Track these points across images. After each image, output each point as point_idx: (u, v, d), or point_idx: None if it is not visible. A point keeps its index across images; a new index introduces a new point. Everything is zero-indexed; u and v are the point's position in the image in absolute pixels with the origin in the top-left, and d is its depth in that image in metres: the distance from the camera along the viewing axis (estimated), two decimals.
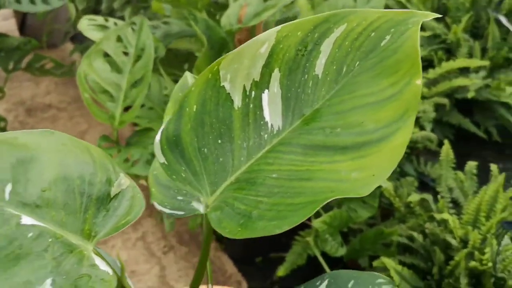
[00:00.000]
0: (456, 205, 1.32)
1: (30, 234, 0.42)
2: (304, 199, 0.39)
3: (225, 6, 1.29)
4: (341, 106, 0.42)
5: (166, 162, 0.48)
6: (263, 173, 0.43)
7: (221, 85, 0.46)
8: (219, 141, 0.46)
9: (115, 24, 1.19)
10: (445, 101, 1.61)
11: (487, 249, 1.06)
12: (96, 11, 2.19)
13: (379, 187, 1.33)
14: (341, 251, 1.28)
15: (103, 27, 1.18)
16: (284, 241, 1.44)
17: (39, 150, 0.46)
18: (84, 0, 2.05)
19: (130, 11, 1.84)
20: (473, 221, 1.19)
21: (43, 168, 0.45)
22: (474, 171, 1.38)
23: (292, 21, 0.45)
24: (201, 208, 0.56)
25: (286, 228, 0.37)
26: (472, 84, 1.62)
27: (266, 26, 1.21)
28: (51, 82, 2.53)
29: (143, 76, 1.03)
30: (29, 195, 0.44)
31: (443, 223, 1.22)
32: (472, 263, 1.06)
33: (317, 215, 1.40)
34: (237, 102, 0.46)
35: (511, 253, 1.05)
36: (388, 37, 0.41)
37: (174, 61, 1.30)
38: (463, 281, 1.08)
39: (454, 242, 1.15)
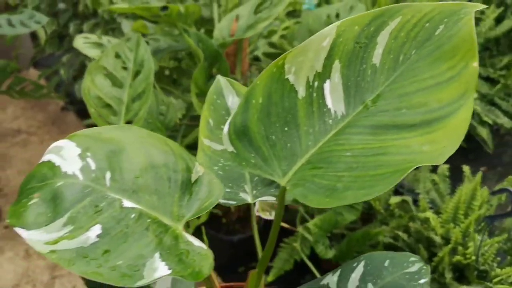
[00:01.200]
0: (433, 205, 1.40)
1: (133, 216, 0.46)
2: (387, 170, 0.44)
3: (209, 21, 1.34)
4: (403, 89, 0.48)
5: (234, 151, 0.52)
6: (336, 153, 0.48)
7: (286, 77, 0.51)
8: (286, 129, 0.51)
9: (109, 41, 1.22)
10: None
11: (470, 244, 1.13)
12: (62, 35, 2.20)
13: None
14: (330, 253, 1.33)
15: (98, 44, 1.21)
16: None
17: (124, 143, 0.50)
18: (52, 24, 2.06)
19: (100, 33, 1.86)
20: (452, 219, 1.26)
21: (132, 158, 0.49)
22: (447, 173, 1.46)
23: (350, 17, 0.50)
24: (248, 198, 0.61)
25: (375, 195, 0.43)
26: None
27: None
28: (17, 107, 2.50)
29: (144, 89, 1.06)
30: (125, 182, 0.48)
31: (425, 222, 1.29)
32: (456, 258, 1.12)
33: (303, 221, 1.45)
34: (301, 92, 0.51)
35: (490, 246, 1.13)
36: (441, 27, 0.47)
37: (162, 76, 1.34)
38: (448, 275, 1.14)
39: (437, 239, 1.22)
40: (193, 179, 0.51)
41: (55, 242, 0.43)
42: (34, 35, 2.59)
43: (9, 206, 1.73)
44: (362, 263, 0.65)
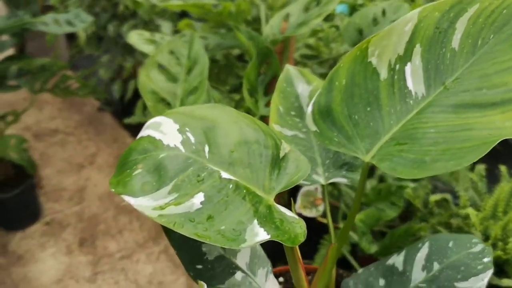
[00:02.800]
0: (472, 203, 1.41)
1: (231, 186, 0.49)
2: (473, 143, 0.47)
3: (255, 21, 1.38)
4: (483, 71, 0.50)
5: (318, 130, 0.55)
6: (420, 130, 0.51)
7: (369, 60, 0.54)
8: (368, 109, 0.54)
9: (162, 38, 1.26)
10: None
11: (510, 239, 1.15)
12: (101, 37, 2.25)
13: (403, 189, 1.42)
14: (373, 248, 1.36)
15: (152, 41, 1.25)
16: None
17: (218, 120, 0.53)
18: (91, 25, 2.11)
19: None
20: (491, 216, 1.28)
21: (227, 134, 0.52)
22: (483, 173, 1.47)
23: (431, 3, 0.53)
24: (321, 179, 0.64)
25: (465, 165, 0.46)
26: None
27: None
28: (53, 108, 2.56)
29: (198, 84, 1.10)
30: (222, 155, 0.51)
31: (466, 218, 1.31)
32: (496, 253, 1.14)
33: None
34: (383, 74, 0.54)
35: None
36: None
37: (210, 74, 1.37)
38: None
39: (478, 234, 1.24)
40: (281, 156, 0.54)
41: (162, 208, 0.47)
42: (70, 37, 2.65)
43: (50, 203, 1.77)
44: (427, 244, 0.68)
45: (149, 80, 1.11)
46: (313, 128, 0.55)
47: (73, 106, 2.56)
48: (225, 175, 0.50)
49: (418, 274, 0.65)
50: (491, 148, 0.45)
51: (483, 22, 0.51)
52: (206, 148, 0.51)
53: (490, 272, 0.62)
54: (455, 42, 0.52)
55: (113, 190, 0.49)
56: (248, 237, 0.46)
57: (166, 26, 1.88)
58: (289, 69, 0.74)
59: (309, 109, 0.56)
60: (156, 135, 0.52)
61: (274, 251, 0.71)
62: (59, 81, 1.66)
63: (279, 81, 0.72)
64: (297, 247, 0.55)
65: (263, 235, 0.46)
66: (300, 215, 1.65)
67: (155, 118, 0.54)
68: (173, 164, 0.49)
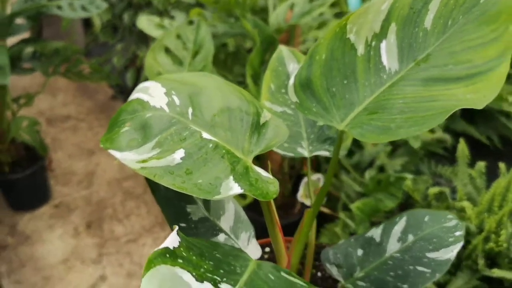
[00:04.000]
0: (469, 198, 1.44)
1: (210, 145, 0.53)
2: (434, 112, 0.50)
3: (262, 11, 1.42)
4: (451, 49, 0.54)
5: (298, 101, 0.59)
6: (390, 101, 0.55)
7: (347, 37, 0.58)
8: (345, 82, 0.58)
9: (170, 24, 1.31)
10: None
11: (502, 232, 1.18)
12: (116, 26, 2.30)
13: (403, 180, 1.45)
14: None
15: (161, 26, 1.30)
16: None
17: (204, 86, 0.57)
18: (107, 13, 2.16)
19: None
20: (487, 210, 1.30)
21: (211, 99, 0.57)
22: (483, 170, 1.50)
23: None
24: (305, 153, 0.68)
25: (425, 130, 0.49)
26: None
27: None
28: (67, 95, 2.62)
29: (203, 68, 1.14)
30: (204, 118, 0.55)
31: (462, 211, 1.34)
32: (489, 245, 1.17)
33: (345, 208, 1.51)
34: (360, 50, 0.58)
35: None
36: None
37: (217, 61, 1.42)
38: (480, 261, 1.18)
39: (472, 227, 1.27)
40: (261, 122, 0.58)
41: (145, 161, 0.51)
42: (86, 25, 2.71)
43: (59, 186, 1.82)
44: (404, 218, 0.71)
45: (156, 62, 1.15)
46: (294, 99, 0.59)
47: (86, 93, 2.62)
48: (206, 135, 0.54)
49: (393, 245, 0.69)
50: (448, 116, 0.49)
51: (454, 4, 0.55)
52: (190, 111, 0.56)
53: (460, 244, 0.66)
54: (428, 22, 0.56)
55: (102, 146, 0.54)
56: (223, 190, 0.50)
57: (180, 16, 1.92)
58: (282, 49, 0.78)
59: (291, 81, 0.60)
60: (145, 97, 0.57)
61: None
62: (72, 65, 1.71)
63: (272, 61, 0.76)
64: (273, 208, 0.59)
65: (237, 189, 0.50)
66: (302, 204, 1.69)
67: (144, 82, 0.59)
68: (157, 123, 0.54)
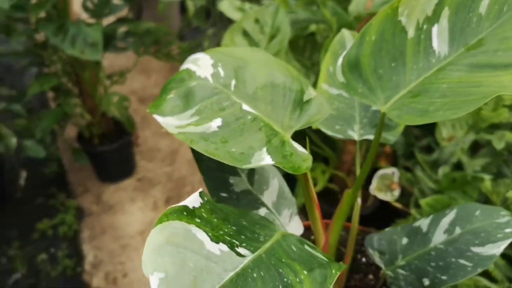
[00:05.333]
0: None
1: (249, 117, 0.55)
2: (476, 97, 0.49)
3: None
4: (504, 34, 0.52)
5: (345, 81, 0.59)
6: (434, 85, 0.53)
7: (398, 19, 0.57)
8: (393, 64, 0.57)
9: (251, 8, 1.33)
10: None
11: None
12: (209, 11, 2.36)
13: (480, 181, 1.39)
14: None
15: (241, 9, 1.33)
16: None
17: (251, 61, 0.59)
18: None
19: None
20: None
21: (256, 74, 0.58)
22: None
23: None
24: (355, 136, 0.68)
25: (461, 114, 0.48)
26: None
27: None
28: (160, 76, 2.72)
29: (277, 52, 1.16)
30: (247, 91, 0.57)
31: None
32: None
33: (417, 205, 1.48)
34: (411, 33, 0.57)
35: None
36: None
37: (296, 47, 1.43)
38: None
39: None
40: (305, 99, 0.58)
41: (184, 127, 0.53)
42: (183, 10, 2.80)
43: (144, 162, 1.90)
44: (455, 210, 0.69)
45: (233, 44, 1.18)
46: (341, 79, 0.59)
47: None
48: (246, 107, 0.56)
49: (439, 236, 0.67)
50: (486, 101, 0.47)
51: None
52: (233, 83, 0.57)
53: (508, 241, 0.63)
54: (483, 8, 0.54)
55: (148, 111, 0.56)
56: (254, 160, 0.51)
57: (267, 2, 1.94)
58: (344, 32, 0.77)
59: (339, 61, 0.60)
60: (193, 67, 0.59)
61: None
62: (163, 46, 1.78)
63: (333, 43, 0.76)
64: (311, 184, 0.60)
65: (268, 160, 0.51)
66: (375, 198, 1.67)
67: (196, 54, 0.61)
68: (200, 92, 0.56)
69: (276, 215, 0.66)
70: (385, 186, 1.59)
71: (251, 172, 0.66)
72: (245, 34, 1.19)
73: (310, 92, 0.59)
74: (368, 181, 1.63)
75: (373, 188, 1.57)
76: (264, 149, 0.52)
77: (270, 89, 0.58)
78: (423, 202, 1.31)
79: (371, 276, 0.72)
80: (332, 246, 0.64)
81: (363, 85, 0.58)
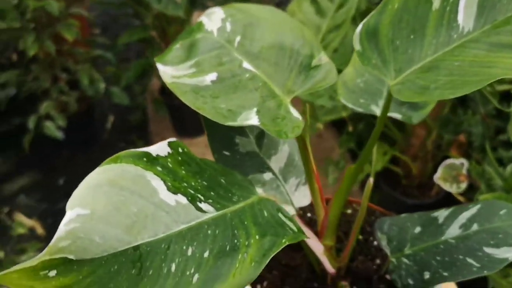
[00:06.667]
0: None
1: (247, 75, 0.53)
2: (479, 78, 0.45)
3: None
4: None
5: (361, 50, 0.55)
6: (446, 62, 0.49)
7: None
8: (411, 36, 0.53)
9: None
10: None
11: None
12: None
13: None
14: None
15: None
16: None
17: (264, 20, 0.57)
18: None
19: None
20: None
21: (265, 33, 0.56)
22: None
23: None
24: (377, 111, 0.64)
25: (458, 95, 0.44)
26: None
27: None
28: None
29: (343, 22, 1.11)
30: (251, 49, 0.55)
31: None
32: None
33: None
34: (436, 4, 0.52)
35: None
36: None
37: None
38: None
39: None
40: (313, 65, 0.56)
41: (179, 77, 0.52)
42: None
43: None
44: (478, 206, 0.64)
45: (299, 10, 1.15)
46: (358, 47, 0.56)
47: None
48: (247, 65, 0.54)
49: (453, 230, 0.62)
50: (487, 83, 0.43)
51: None
52: (238, 39, 0.55)
53: None
54: None
55: (155, 59, 0.56)
56: (239, 119, 0.49)
57: None
58: None
59: (358, 29, 0.56)
60: (205, 20, 0.58)
61: None
62: None
63: None
64: (309, 150, 0.57)
65: (254, 121, 0.49)
66: (440, 187, 1.59)
67: (214, 7, 0.59)
68: (202, 45, 0.55)
69: (282, 182, 0.64)
70: (452, 177, 1.51)
71: (261, 135, 0.64)
72: (313, 1, 1.16)
73: (321, 58, 0.56)
74: (435, 169, 1.56)
75: (438, 178, 1.50)
76: (254, 109, 0.50)
77: (277, 50, 0.56)
78: (481, 198, 1.23)
79: (378, 261, 0.69)
80: (332, 222, 0.61)
81: (378, 55, 0.54)
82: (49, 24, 2.04)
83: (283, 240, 0.44)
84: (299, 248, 0.70)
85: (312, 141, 1.84)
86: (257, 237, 0.44)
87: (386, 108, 0.54)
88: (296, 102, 0.55)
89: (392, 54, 0.53)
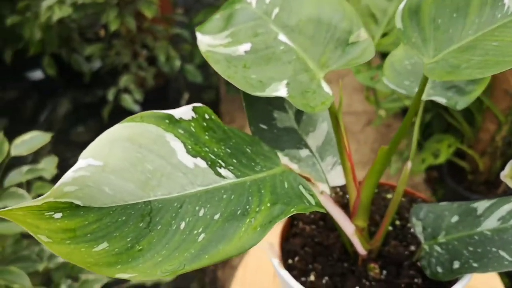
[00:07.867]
0: None
1: (282, 48, 0.53)
2: (510, 59, 0.43)
3: None
4: None
5: (402, 28, 0.54)
6: (485, 42, 0.47)
7: None
8: (454, 15, 0.51)
9: None
10: None
11: None
12: None
13: None
14: None
15: None
16: None
17: None
18: None
19: None
20: None
21: (304, 6, 0.56)
22: None
23: None
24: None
25: (487, 74, 0.42)
26: None
27: None
28: None
29: None
30: (288, 22, 0.55)
31: None
32: None
33: None
34: None
35: None
36: None
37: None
38: None
39: None
40: (350, 41, 0.55)
41: (214, 46, 0.53)
42: None
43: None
44: None
45: None
46: (399, 25, 0.54)
47: None
48: (282, 38, 0.54)
49: (490, 222, 0.60)
50: None
51: None
52: (275, 11, 0.55)
53: None
54: None
55: (196, 28, 0.57)
56: (268, 89, 0.50)
57: None
58: None
59: (400, 6, 0.55)
60: None
61: None
62: None
63: None
64: (342, 127, 0.56)
65: (282, 92, 0.49)
66: (507, 186, 1.52)
67: None
68: (240, 16, 0.55)
69: (318, 160, 0.64)
70: None
71: (300, 111, 0.64)
72: None
73: (360, 35, 0.55)
74: (503, 167, 1.49)
75: (505, 175, 1.43)
76: (285, 82, 0.50)
77: (314, 24, 0.55)
78: None
79: (412, 248, 0.67)
80: (364, 202, 0.60)
81: (419, 34, 0.53)
82: (131, 1, 2.10)
83: (292, 209, 0.44)
84: (334, 228, 0.70)
85: (380, 130, 1.83)
86: (268, 204, 0.44)
87: (421, 89, 0.52)
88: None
89: (433, 33, 0.52)
